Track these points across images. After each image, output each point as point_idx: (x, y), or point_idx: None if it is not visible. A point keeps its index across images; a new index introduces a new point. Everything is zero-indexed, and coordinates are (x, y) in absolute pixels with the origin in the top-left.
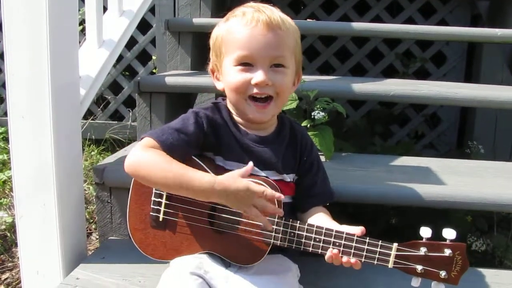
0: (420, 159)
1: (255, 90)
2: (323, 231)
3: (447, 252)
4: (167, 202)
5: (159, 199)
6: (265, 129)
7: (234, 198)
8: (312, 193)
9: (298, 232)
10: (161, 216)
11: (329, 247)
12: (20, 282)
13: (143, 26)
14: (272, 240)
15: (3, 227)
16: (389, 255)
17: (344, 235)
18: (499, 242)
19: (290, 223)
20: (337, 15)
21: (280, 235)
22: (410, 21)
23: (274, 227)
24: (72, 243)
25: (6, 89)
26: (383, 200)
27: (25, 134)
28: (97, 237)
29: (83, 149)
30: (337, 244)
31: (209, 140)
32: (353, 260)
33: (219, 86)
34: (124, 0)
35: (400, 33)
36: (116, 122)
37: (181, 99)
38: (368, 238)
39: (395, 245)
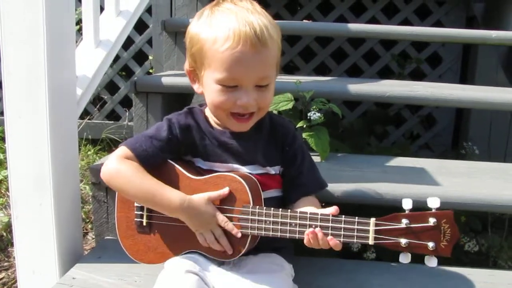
0: (415, 159)
1: (238, 110)
2: (298, 215)
3: (432, 221)
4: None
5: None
6: None
7: (198, 220)
8: (298, 183)
9: (273, 219)
10: (144, 220)
11: (305, 231)
12: (16, 281)
13: (140, 26)
14: (249, 231)
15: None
16: (367, 231)
17: (319, 216)
18: (493, 242)
19: (264, 211)
20: (334, 16)
21: (256, 225)
22: (406, 22)
23: (250, 217)
24: (68, 243)
25: (2, 88)
26: (378, 200)
27: (22, 134)
28: (93, 236)
29: (80, 149)
30: (313, 226)
31: (184, 144)
32: (331, 242)
33: (198, 89)
34: (121, 0)
35: (396, 34)
36: (113, 122)
37: (178, 99)
38: (343, 216)
39: (372, 219)
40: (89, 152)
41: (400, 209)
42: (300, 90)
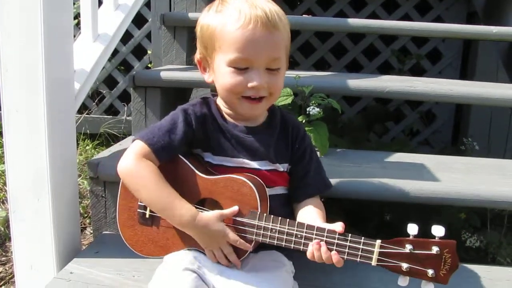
0: (415, 155)
1: (250, 92)
2: (305, 227)
3: (435, 249)
4: None
5: None
6: (256, 119)
7: (208, 237)
8: (305, 183)
9: (280, 228)
10: (147, 212)
11: (310, 244)
12: (13, 276)
13: (139, 20)
14: (254, 237)
15: None
16: (372, 252)
17: (326, 232)
18: (492, 238)
19: (272, 219)
20: (333, 11)
21: (262, 232)
22: (406, 18)
23: (256, 223)
24: (66, 238)
25: (0, 83)
26: (376, 196)
27: (19, 128)
28: (91, 231)
29: (78, 144)
30: (318, 240)
31: (198, 136)
32: (335, 257)
33: (208, 78)
34: None
35: (396, 30)
36: (111, 116)
37: (177, 94)
38: (350, 234)
39: (378, 242)
40: (87, 147)
41: (394, 205)
42: (299, 85)
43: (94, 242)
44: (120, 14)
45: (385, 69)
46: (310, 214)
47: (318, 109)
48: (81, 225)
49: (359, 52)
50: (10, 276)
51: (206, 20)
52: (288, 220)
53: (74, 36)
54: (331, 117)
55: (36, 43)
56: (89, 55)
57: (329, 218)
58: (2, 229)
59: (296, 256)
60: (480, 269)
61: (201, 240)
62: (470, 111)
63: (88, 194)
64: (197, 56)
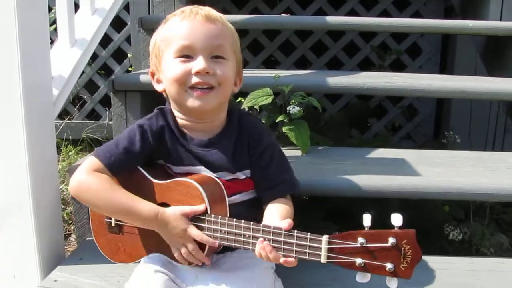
0: (397, 151)
1: (196, 80)
2: (251, 226)
3: (391, 241)
4: None
5: None
6: (211, 130)
7: (170, 233)
8: (265, 186)
9: (228, 229)
10: (113, 221)
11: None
12: None
13: (118, 24)
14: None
15: None
16: (319, 249)
17: (272, 230)
18: (476, 230)
19: (220, 220)
20: (313, 9)
21: (212, 234)
22: (385, 14)
23: (205, 225)
24: (49, 245)
25: None
26: (358, 193)
27: None
28: (76, 238)
29: (60, 150)
30: (266, 240)
31: (157, 149)
32: (282, 259)
33: (159, 88)
34: None
35: (375, 26)
36: (93, 121)
37: (156, 97)
38: (296, 231)
39: (325, 237)
40: (70, 153)
41: (381, 201)
42: (279, 84)
43: (78, 248)
44: (98, 18)
45: (366, 65)
46: (269, 213)
47: (298, 108)
48: (66, 231)
49: (339, 49)
50: None
51: (155, 34)
52: (235, 220)
53: (52, 43)
54: (313, 115)
55: (12, 50)
56: (66, 61)
57: (314, 218)
58: None
59: None
60: (463, 261)
61: (165, 237)
62: (450, 104)
63: (72, 201)
64: (150, 69)
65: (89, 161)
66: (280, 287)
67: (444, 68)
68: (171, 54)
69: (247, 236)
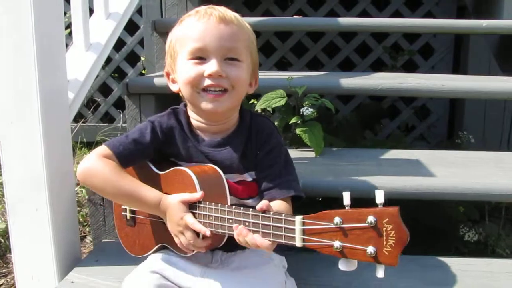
0: (411, 151)
1: (208, 82)
2: (233, 210)
3: (370, 219)
4: None
5: None
6: (224, 130)
7: (170, 221)
8: (265, 187)
9: (215, 215)
10: (128, 214)
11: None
12: (15, 287)
13: (131, 27)
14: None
15: None
16: (293, 230)
17: (251, 213)
18: (491, 231)
19: (207, 205)
20: (324, 11)
21: (202, 220)
22: (397, 14)
23: (196, 212)
24: (66, 247)
25: None
26: (373, 194)
27: (15, 140)
28: (91, 240)
29: (75, 152)
30: (246, 223)
31: (166, 147)
32: (257, 238)
33: (174, 88)
34: (110, 2)
35: (387, 27)
36: (107, 124)
37: (170, 100)
38: (272, 212)
39: (298, 217)
40: (84, 155)
41: (394, 201)
42: (292, 86)
43: (94, 250)
44: (112, 22)
45: (378, 66)
46: None
47: (312, 110)
48: (81, 233)
49: (351, 50)
50: None
51: (171, 34)
52: (220, 204)
53: (67, 46)
54: (326, 116)
55: (29, 55)
56: (82, 65)
57: None
58: (2, 240)
59: (295, 256)
60: (480, 262)
61: (168, 225)
62: (464, 104)
63: (87, 203)
64: (165, 69)
65: (99, 149)
66: (293, 286)
67: (457, 68)
68: (185, 56)
69: (231, 221)
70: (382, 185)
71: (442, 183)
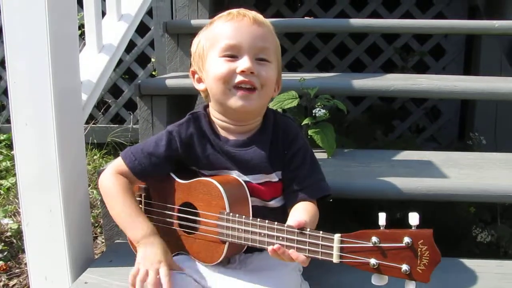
0: (422, 152)
1: (240, 78)
2: (266, 225)
3: (406, 241)
4: (146, 207)
5: (139, 199)
6: (248, 131)
7: (145, 255)
8: (296, 188)
9: (245, 228)
10: None
11: (273, 242)
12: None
13: (141, 28)
14: (225, 238)
15: (9, 233)
16: (331, 248)
17: (286, 228)
18: (503, 232)
19: (237, 218)
20: (335, 12)
21: (230, 232)
22: (407, 15)
23: (224, 224)
24: (79, 248)
25: (8, 97)
26: (385, 195)
27: (29, 141)
28: (103, 240)
29: (86, 153)
30: (280, 238)
31: (186, 157)
32: (294, 255)
33: (200, 87)
34: (122, 4)
35: (398, 28)
36: (117, 125)
37: (182, 101)
38: (309, 229)
39: (337, 236)
40: (95, 157)
41: (406, 202)
42: (304, 87)
43: (107, 251)
44: (124, 24)
45: (389, 67)
46: (295, 210)
47: (324, 111)
48: (93, 234)
49: (362, 51)
50: None
51: (199, 35)
52: (251, 218)
53: (79, 47)
54: (337, 117)
55: (43, 56)
56: (94, 66)
57: (338, 220)
58: (15, 241)
59: None
60: (491, 264)
61: (141, 256)
62: (475, 105)
63: (98, 204)
64: (192, 68)
65: (116, 162)
66: None
67: (468, 69)
68: (216, 53)
69: (262, 235)
70: (394, 186)
71: (454, 185)
